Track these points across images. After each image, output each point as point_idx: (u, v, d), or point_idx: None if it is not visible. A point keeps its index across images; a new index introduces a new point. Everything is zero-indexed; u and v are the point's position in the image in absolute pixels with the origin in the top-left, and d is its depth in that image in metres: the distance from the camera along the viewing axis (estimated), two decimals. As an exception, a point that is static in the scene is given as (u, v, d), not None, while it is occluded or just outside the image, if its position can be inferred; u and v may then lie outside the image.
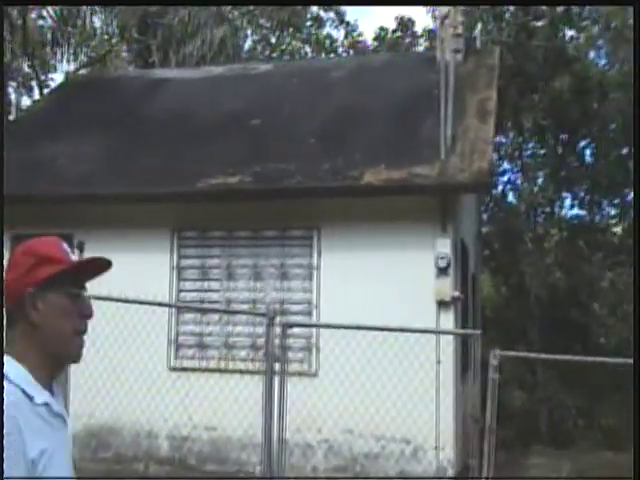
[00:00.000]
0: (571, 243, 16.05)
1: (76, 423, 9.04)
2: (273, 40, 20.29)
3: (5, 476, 1.66)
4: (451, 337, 8.38)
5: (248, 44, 19.90)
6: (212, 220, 9.29)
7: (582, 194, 16.29)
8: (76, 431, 8.99)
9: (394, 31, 18.54)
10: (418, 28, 18.44)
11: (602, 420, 12.60)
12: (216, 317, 9.13)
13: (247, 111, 10.77)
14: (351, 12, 30.76)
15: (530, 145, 16.66)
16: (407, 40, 18.39)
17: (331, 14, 20.19)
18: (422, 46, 17.88)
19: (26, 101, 18.76)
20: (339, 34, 20.17)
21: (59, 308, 1.86)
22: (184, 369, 9.01)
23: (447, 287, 8.48)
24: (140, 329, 8.30)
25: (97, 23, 16.80)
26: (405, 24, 18.45)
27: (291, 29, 19.83)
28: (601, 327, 16.33)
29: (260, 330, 7.77)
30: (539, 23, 16.14)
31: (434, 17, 15.75)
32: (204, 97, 11.72)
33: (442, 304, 8.49)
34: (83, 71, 16.57)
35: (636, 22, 8.65)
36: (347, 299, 8.49)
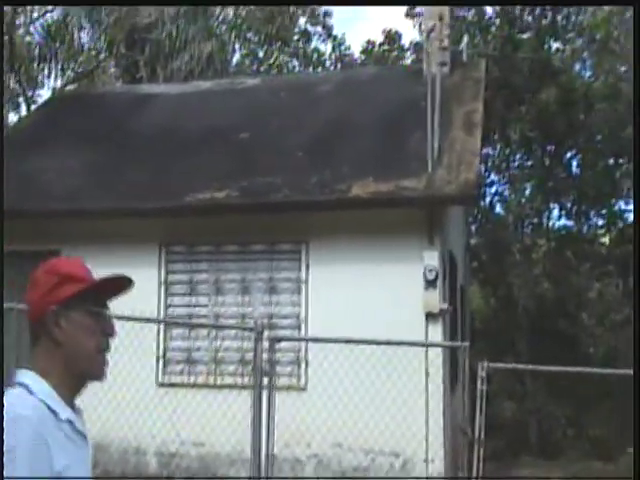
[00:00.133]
0: (559, 254, 16.11)
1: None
2: (261, 54, 20.35)
3: None
4: (440, 349, 8.39)
5: (236, 58, 19.96)
6: (200, 235, 9.28)
7: (569, 205, 16.37)
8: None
9: (381, 44, 18.62)
10: (405, 41, 18.54)
11: (590, 430, 12.61)
12: (204, 332, 9.11)
13: (235, 125, 10.79)
14: (338, 26, 30.95)
15: (517, 157, 16.75)
16: (394, 53, 18.47)
17: (318, 28, 20.28)
18: (409, 59, 17.97)
19: (13, 117, 18.71)
20: (327, 48, 20.26)
21: (82, 326, 1.89)
22: (172, 385, 8.98)
23: (435, 299, 8.49)
24: (128, 345, 8.26)
25: (84, 38, 16.82)
26: (392, 37, 18.53)
27: (279, 43, 19.89)
28: (589, 337, 16.38)
29: (248, 345, 7.75)
30: (525, 35, 16.27)
31: (421, 30, 15.84)
32: (191, 112, 11.73)
33: (430, 316, 8.50)
34: (70, 87, 16.57)
35: (636, 22, 8.72)
36: (336, 312, 8.48)
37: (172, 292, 9.22)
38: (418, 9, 16.72)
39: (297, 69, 19.86)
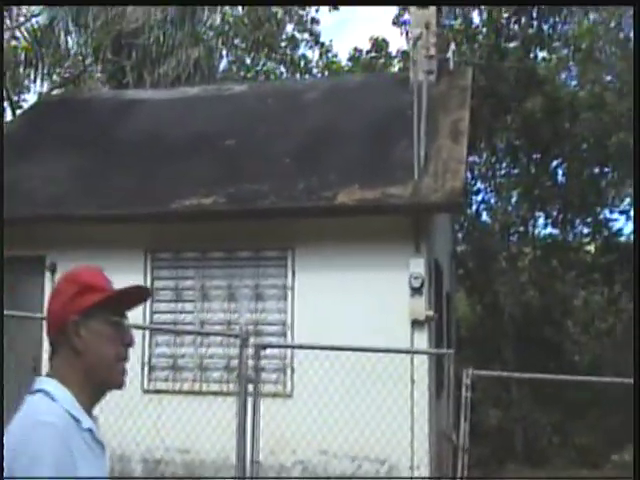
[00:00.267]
0: (544, 262, 16.18)
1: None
2: (248, 61, 20.35)
3: None
4: (425, 356, 8.40)
5: (223, 65, 19.95)
6: (186, 241, 9.26)
7: (555, 213, 16.44)
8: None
9: (368, 52, 18.66)
10: (392, 49, 18.57)
11: (576, 438, 12.66)
12: (190, 339, 9.08)
13: (221, 132, 10.78)
14: (325, 33, 31.00)
15: (503, 165, 16.81)
16: (381, 61, 18.51)
17: (306, 35, 20.31)
18: (396, 67, 18.01)
19: (-2, 122, 18.58)
20: (314, 55, 20.30)
21: (102, 335, 1.91)
22: (157, 391, 8.94)
23: (421, 306, 8.51)
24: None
25: (71, 43, 16.77)
26: (379, 45, 18.57)
27: (266, 50, 19.91)
28: (574, 345, 16.45)
29: (234, 351, 7.73)
30: (511, 44, 16.36)
31: (408, 38, 15.89)
32: (178, 118, 11.72)
33: (416, 323, 8.52)
34: (56, 91, 16.51)
35: (636, 22, 8.80)
36: (322, 319, 8.48)
37: (158, 298, 9.19)
38: (405, 17, 16.77)
39: (284, 76, 19.88)
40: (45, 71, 16.27)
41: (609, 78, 13.56)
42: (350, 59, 19.07)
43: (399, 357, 7.98)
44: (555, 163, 16.44)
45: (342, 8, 19.78)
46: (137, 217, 9.21)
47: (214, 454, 8.40)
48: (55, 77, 16.95)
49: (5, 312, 6.12)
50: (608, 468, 10.78)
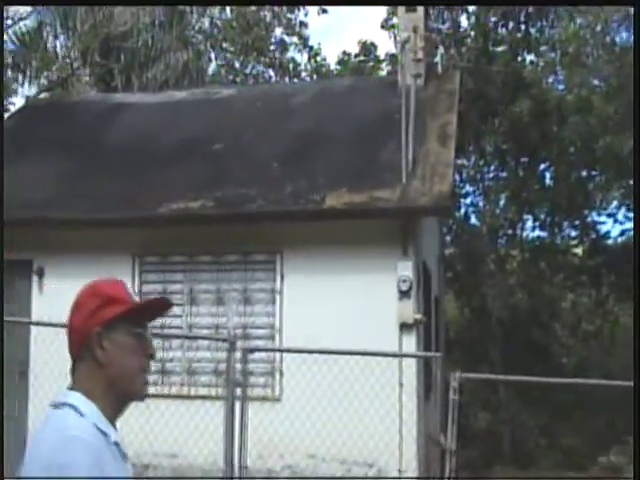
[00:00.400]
0: (532, 264, 16.24)
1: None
2: (237, 64, 20.34)
3: None
4: (413, 359, 8.42)
5: (212, 68, 19.94)
6: (174, 245, 9.25)
7: (543, 216, 16.51)
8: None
9: (357, 55, 18.69)
10: (381, 52, 18.61)
11: (563, 440, 12.71)
12: (178, 343, 9.07)
13: (209, 136, 10.78)
14: (314, 36, 31.07)
15: (491, 168, 16.86)
16: (370, 64, 18.54)
17: (294, 38, 20.32)
18: (384, 70, 18.04)
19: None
20: (302, 58, 20.30)
21: (125, 347, 1.91)
22: (145, 395, 8.89)
23: (409, 310, 8.53)
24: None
25: (59, 46, 16.72)
26: (367, 48, 18.61)
27: (255, 53, 19.90)
28: (562, 347, 16.52)
29: (222, 355, 7.72)
30: (499, 48, 16.42)
31: (396, 42, 15.93)
32: (166, 121, 11.71)
33: (404, 326, 8.54)
34: (44, 95, 16.45)
35: (636, 22, 8.85)
36: (310, 323, 8.48)
37: (146, 302, 9.15)
38: (394, 20, 16.81)
39: (273, 79, 19.88)
40: (33, 74, 16.21)
41: (596, 82, 13.63)
42: (339, 62, 19.10)
43: (387, 360, 8.00)
44: (543, 166, 16.52)
45: (331, 12, 19.85)
46: (125, 221, 9.19)
47: (202, 458, 8.38)
48: (43, 80, 16.89)
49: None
50: (595, 470, 10.82)
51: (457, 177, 15.52)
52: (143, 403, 1.99)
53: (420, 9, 11.52)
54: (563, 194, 15.64)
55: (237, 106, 11.99)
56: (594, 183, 15.89)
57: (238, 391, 6.68)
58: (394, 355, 8.12)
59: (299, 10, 19.98)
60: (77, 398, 1.85)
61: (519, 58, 16.44)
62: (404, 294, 8.51)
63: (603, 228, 16.41)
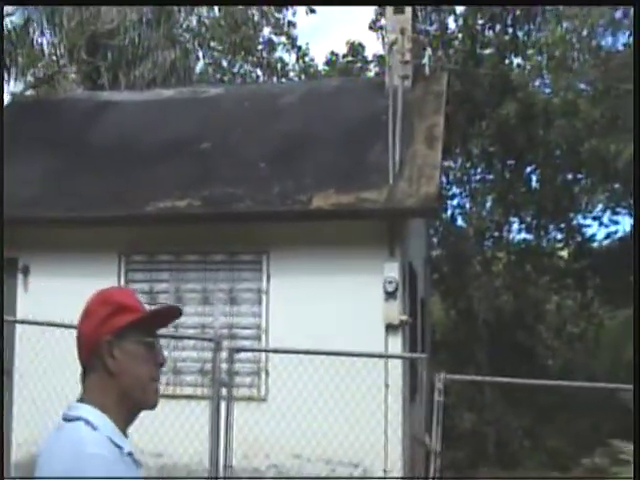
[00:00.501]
0: (518, 267, 16.30)
1: (19, 451, 8.84)
2: (225, 63, 20.30)
3: None
4: (399, 360, 8.44)
5: (200, 67, 19.88)
6: (160, 244, 9.22)
7: (529, 218, 16.58)
8: (19, 459, 8.79)
9: (345, 56, 18.68)
10: (369, 53, 18.61)
11: (547, 441, 12.78)
12: (164, 342, 9.02)
13: (197, 134, 10.76)
14: (302, 37, 31.04)
15: (478, 170, 16.92)
16: (358, 65, 18.55)
17: (283, 38, 20.30)
18: (372, 71, 18.06)
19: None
20: (291, 58, 20.29)
21: (136, 356, 1.89)
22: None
23: (395, 311, 8.55)
24: (85, 354, 8.16)
25: (45, 43, 16.63)
26: (356, 49, 18.61)
27: (243, 52, 19.87)
28: (547, 349, 16.60)
29: (208, 355, 7.71)
30: (486, 51, 16.48)
31: (384, 43, 15.95)
32: (153, 120, 11.67)
33: (390, 327, 8.56)
34: (30, 92, 16.36)
35: (636, 22, 8.90)
36: (296, 323, 8.49)
37: (131, 301, 9.12)
38: (381, 21, 16.83)
39: (261, 79, 19.86)
40: (19, 71, 16.11)
41: (582, 86, 13.70)
42: (327, 63, 19.09)
43: (373, 361, 8.02)
44: (529, 169, 16.58)
45: (319, 12, 19.82)
46: (111, 219, 9.16)
47: (187, 458, 8.37)
48: (29, 77, 16.79)
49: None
50: (578, 471, 10.88)
51: (444, 179, 15.55)
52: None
53: (408, 11, 11.53)
54: (549, 197, 15.71)
55: (225, 105, 11.97)
56: (580, 186, 15.97)
57: (224, 391, 6.68)
58: (380, 356, 8.13)
59: (287, 10, 19.96)
60: (89, 411, 1.83)
61: (506, 61, 16.50)
62: (390, 295, 8.53)
63: (588, 231, 16.50)
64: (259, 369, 8.77)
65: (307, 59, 19.98)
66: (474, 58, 16.04)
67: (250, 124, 11.01)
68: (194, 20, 19.88)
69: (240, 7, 19.06)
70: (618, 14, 11.50)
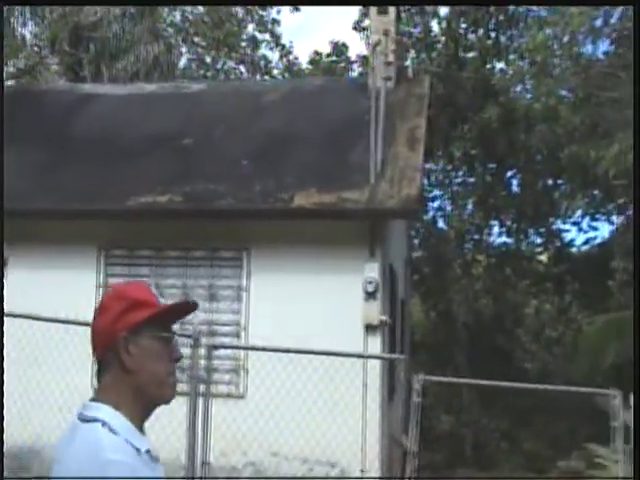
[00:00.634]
0: (498, 270, 16.38)
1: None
2: (208, 59, 20.24)
3: None
4: (378, 361, 8.44)
5: (183, 62, 19.81)
6: (141, 239, 9.16)
7: (509, 222, 16.68)
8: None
9: (328, 55, 18.67)
10: (352, 53, 18.61)
11: (524, 443, 12.85)
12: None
13: (179, 130, 10.69)
14: (286, 35, 30.99)
15: (460, 173, 16.99)
16: (341, 65, 18.54)
17: (266, 35, 20.27)
18: (356, 72, 18.07)
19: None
20: (274, 55, 20.26)
21: (152, 351, 1.86)
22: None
23: (375, 311, 8.55)
24: (62, 349, 8.10)
25: (27, 34, 16.50)
26: (339, 49, 18.61)
27: (226, 49, 19.82)
28: (525, 353, 16.69)
29: (186, 351, 7.67)
30: (469, 54, 16.54)
31: (367, 43, 15.96)
32: (135, 114, 11.58)
33: (370, 328, 8.56)
34: (11, 82, 16.21)
35: (636, 22, 8.94)
36: (276, 321, 8.47)
37: (110, 296, 9.06)
38: (365, 22, 16.84)
39: (244, 76, 19.81)
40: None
41: (563, 92, 13.79)
42: (310, 62, 19.07)
43: (352, 361, 8.01)
44: (510, 173, 16.69)
45: (304, 10, 19.82)
46: (91, 213, 9.09)
47: (164, 454, 8.21)
48: (11, 68, 16.64)
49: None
50: (554, 473, 10.95)
51: (425, 181, 15.60)
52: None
53: (392, 12, 11.51)
54: (529, 201, 15.81)
55: (208, 101, 11.90)
56: (559, 192, 16.08)
57: (202, 387, 6.64)
58: (359, 356, 8.13)
59: (272, 7, 19.93)
60: (107, 412, 1.79)
61: (488, 65, 16.57)
62: (370, 295, 8.53)
63: (568, 236, 16.64)
64: (238, 366, 8.73)
65: (291, 57, 19.96)
66: (457, 61, 16.10)
67: (233, 121, 10.97)
68: (178, 15, 19.80)
69: (224, 5, 19.01)
70: (598, 22, 11.57)
